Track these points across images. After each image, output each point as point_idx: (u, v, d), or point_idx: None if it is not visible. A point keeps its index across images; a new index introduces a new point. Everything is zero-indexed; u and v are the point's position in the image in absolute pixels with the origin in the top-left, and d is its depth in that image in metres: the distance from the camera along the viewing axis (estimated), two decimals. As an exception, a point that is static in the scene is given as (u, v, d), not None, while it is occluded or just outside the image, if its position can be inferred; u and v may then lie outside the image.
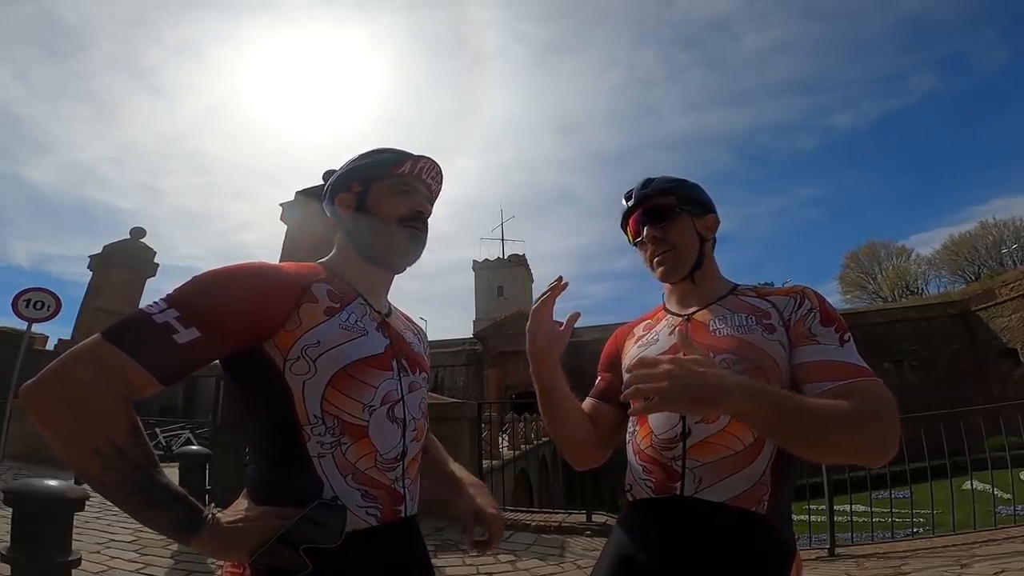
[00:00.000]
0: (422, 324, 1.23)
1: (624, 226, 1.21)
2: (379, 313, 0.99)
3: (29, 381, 0.73)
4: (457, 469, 1.17)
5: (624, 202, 1.20)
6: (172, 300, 0.80)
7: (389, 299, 1.09)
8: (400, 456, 0.92)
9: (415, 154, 1.04)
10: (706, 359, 0.86)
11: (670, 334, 1.10)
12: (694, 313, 1.11)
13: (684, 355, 0.86)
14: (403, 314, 1.14)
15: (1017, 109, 75.05)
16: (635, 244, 1.19)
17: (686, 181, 1.18)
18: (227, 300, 0.82)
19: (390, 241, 1.01)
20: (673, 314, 1.15)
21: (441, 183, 1.10)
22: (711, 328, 1.05)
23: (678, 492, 0.98)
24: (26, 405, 0.73)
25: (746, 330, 1.01)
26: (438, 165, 1.07)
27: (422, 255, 1.07)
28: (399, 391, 0.93)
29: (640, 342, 1.16)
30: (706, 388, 0.79)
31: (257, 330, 0.84)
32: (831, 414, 0.85)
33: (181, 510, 0.74)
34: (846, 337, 0.97)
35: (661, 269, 1.14)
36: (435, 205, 1.13)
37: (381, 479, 0.89)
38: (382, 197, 1.01)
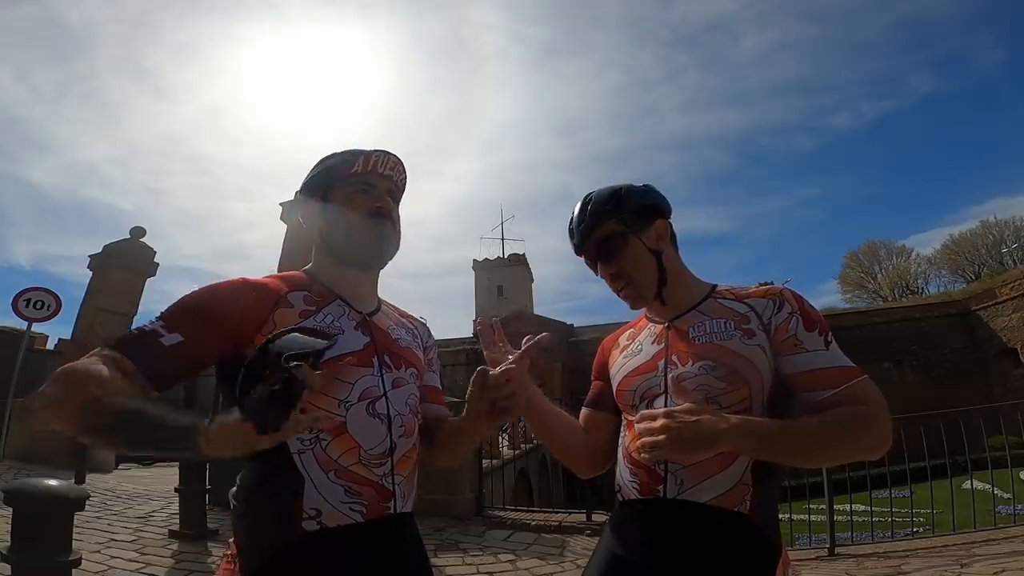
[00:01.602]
0: (422, 322, 1.23)
1: (579, 256, 1.18)
2: (360, 312, 1.01)
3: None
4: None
5: (570, 239, 1.16)
6: (160, 316, 0.88)
7: (384, 298, 1.10)
8: (388, 452, 0.92)
9: (367, 150, 1.04)
10: (698, 406, 0.90)
11: (652, 343, 1.11)
12: (674, 320, 1.11)
13: (676, 400, 0.93)
14: (398, 312, 1.15)
15: (1015, 109, 75.01)
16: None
17: (620, 192, 1.12)
18: (207, 310, 0.88)
19: (357, 242, 1.01)
20: (655, 322, 1.15)
21: (403, 172, 1.09)
22: (691, 335, 1.06)
23: (662, 494, 1.00)
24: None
25: (724, 336, 1.02)
26: (394, 155, 1.06)
27: (411, 258, 1.08)
28: (380, 387, 0.94)
29: (625, 351, 1.17)
30: (700, 438, 0.87)
31: (235, 336, 0.88)
32: (821, 432, 0.91)
33: (177, 441, 0.74)
34: (829, 339, 0.99)
35: (628, 302, 1.14)
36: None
37: (367, 475, 0.89)
38: (342, 200, 1.02)
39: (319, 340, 0.75)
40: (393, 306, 1.15)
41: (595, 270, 1.16)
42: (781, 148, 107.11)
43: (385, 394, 0.95)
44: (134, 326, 0.89)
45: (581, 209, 1.14)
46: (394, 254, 1.06)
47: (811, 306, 1.03)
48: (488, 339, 1.08)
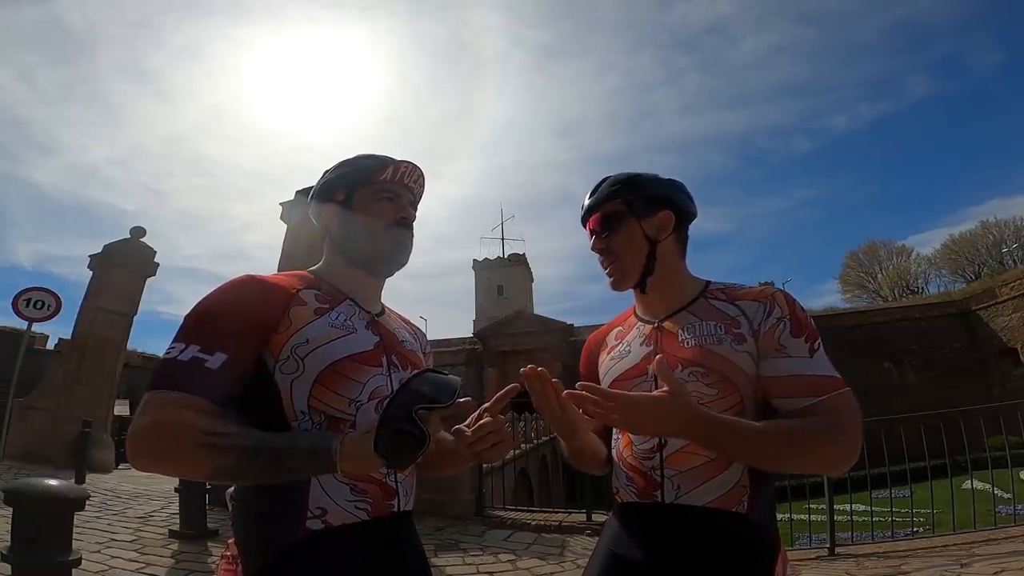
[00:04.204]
0: (422, 324, 1.23)
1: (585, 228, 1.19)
2: (369, 313, 1.02)
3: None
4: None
5: (581, 212, 1.17)
6: (187, 337, 0.83)
7: (384, 302, 1.11)
8: None
9: (397, 159, 1.05)
10: (663, 396, 0.87)
11: (641, 344, 1.09)
12: (664, 321, 1.08)
13: (661, 383, 0.91)
14: (399, 315, 1.16)
15: (1013, 110, 75.20)
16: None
17: (635, 178, 1.13)
18: (234, 315, 0.86)
19: (377, 248, 1.02)
20: (643, 321, 1.13)
21: (423, 186, 1.11)
22: (680, 338, 1.04)
23: (659, 499, 0.99)
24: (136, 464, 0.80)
25: (714, 340, 0.99)
26: (419, 169, 1.08)
27: (411, 258, 1.08)
28: (389, 387, 0.95)
29: (613, 353, 1.15)
30: (644, 426, 0.90)
31: (262, 336, 0.87)
32: (783, 439, 0.89)
33: (310, 460, 0.79)
34: (816, 346, 0.96)
35: (610, 280, 1.12)
36: (422, 208, 1.13)
37: (372, 473, 0.89)
38: (366, 204, 1.02)
39: (452, 380, 0.83)
40: (393, 310, 1.16)
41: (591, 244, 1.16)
42: (779, 150, 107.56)
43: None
44: (166, 355, 0.82)
45: (596, 185, 1.16)
46: (405, 263, 1.07)
47: (803, 311, 1.00)
48: (537, 390, 0.97)
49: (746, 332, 0.99)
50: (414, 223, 1.09)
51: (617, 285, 1.12)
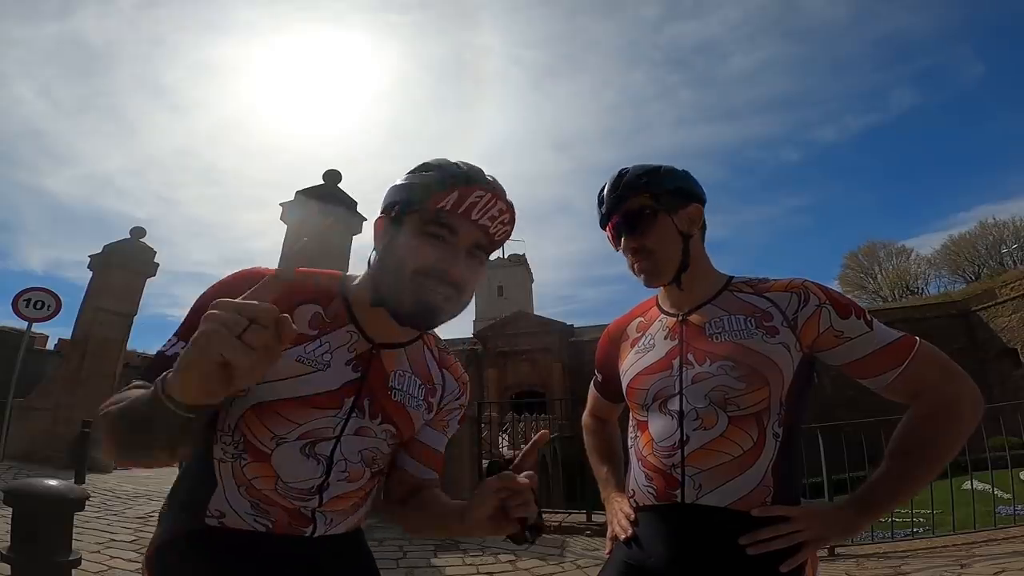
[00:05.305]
0: (460, 381, 1.05)
1: (604, 227, 1.12)
2: (370, 343, 0.89)
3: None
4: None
5: (599, 207, 1.11)
6: (180, 331, 0.82)
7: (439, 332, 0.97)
8: (316, 489, 0.85)
9: (472, 179, 0.82)
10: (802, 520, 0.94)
11: (665, 337, 1.07)
12: (689, 314, 1.06)
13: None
14: (438, 358, 1.00)
15: (999, 118, 76.39)
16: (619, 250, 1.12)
17: (659, 169, 1.08)
18: None
19: (397, 294, 0.82)
20: (667, 314, 1.11)
21: (507, 224, 0.84)
22: (707, 332, 1.01)
23: (678, 499, 0.96)
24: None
25: (745, 335, 0.97)
26: (500, 202, 0.81)
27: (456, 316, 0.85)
28: (334, 430, 0.86)
29: (637, 346, 1.12)
30: (834, 537, 1.03)
31: None
32: (930, 461, 0.94)
33: (151, 402, 0.63)
34: (869, 318, 0.97)
35: (643, 276, 1.08)
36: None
37: (281, 502, 0.84)
38: (409, 234, 0.83)
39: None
40: (438, 350, 1.00)
41: (616, 244, 1.11)
42: (768, 160, 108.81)
43: (338, 437, 0.86)
44: (158, 350, 0.80)
45: (616, 178, 1.08)
46: (444, 321, 0.85)
47: (838, 292, 1.00)
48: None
49: (779, 324, 0.98)
50: (481, 267, 0.86)
51: (651, 281, 1.08)
